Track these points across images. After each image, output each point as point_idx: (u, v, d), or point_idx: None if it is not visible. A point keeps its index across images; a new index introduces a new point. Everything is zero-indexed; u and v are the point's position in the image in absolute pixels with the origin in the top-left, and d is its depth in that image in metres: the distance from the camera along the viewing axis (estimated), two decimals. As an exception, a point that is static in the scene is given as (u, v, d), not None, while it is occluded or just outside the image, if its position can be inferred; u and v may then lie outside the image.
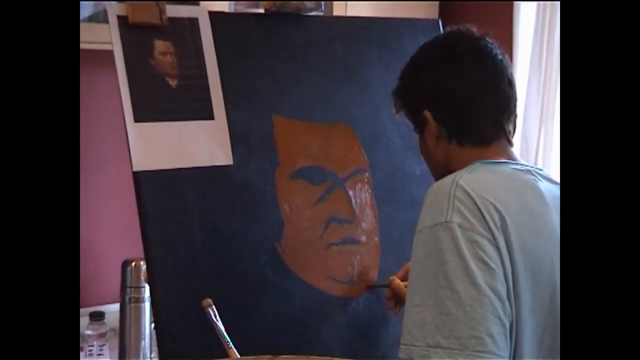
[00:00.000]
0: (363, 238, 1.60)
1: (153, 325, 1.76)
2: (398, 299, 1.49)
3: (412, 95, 1.26)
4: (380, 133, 1.68)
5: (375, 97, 1.67)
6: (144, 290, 1.82)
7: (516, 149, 1.39)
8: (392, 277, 1.51)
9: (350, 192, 1.61)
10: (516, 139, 1.47)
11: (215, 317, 1.29)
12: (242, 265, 1.45)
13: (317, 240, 1.54)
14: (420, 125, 1.26)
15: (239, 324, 1.38)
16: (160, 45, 1.43)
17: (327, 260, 1.55)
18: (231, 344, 1.26)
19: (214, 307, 1.29)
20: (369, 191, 1.64)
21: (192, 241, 1.40)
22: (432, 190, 1.09)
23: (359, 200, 1.61)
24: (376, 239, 1.62)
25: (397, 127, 1.68)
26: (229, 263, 1.43)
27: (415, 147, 1.35)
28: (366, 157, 1.65)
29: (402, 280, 1.49)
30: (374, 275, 1.60)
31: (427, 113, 1.22)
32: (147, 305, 1.83)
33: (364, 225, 1.61)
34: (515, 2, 2.31)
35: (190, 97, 1.45)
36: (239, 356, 1.26)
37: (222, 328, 1.28)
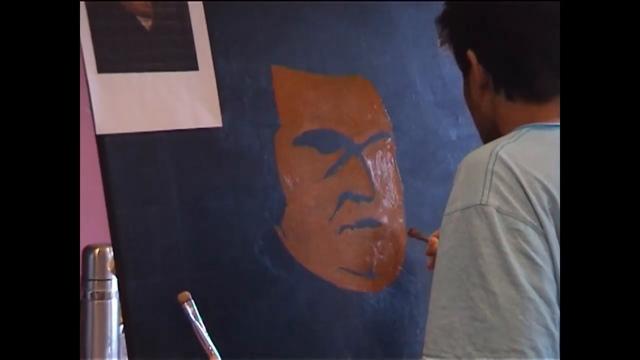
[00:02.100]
0: (385, 219, 1.64)
1: (121, 326, 1.80)
2: None
3: (455, 27, 1.26)
4: (406, 88, 1.69)
5: (402, 43, 1.69)
6: (111, 284, 1.86)
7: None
8: (433, 238, 1.51)
9: (369, 162, 1.63)
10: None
11: (195, 315, 1.32)
12: (233, 252, 1.48)
13: (327, 223, 1.58)
14: (464, 69, 1.25)
15: (229, 325, 1.43)
16: (130, -25, 1.45)
17: (339, 247, 1.58)
18: (214, 349, 1.30)
19: (193, 302, 1.33)
20: (392, 161, 1.66)
21: (171, 223, 1.43)
22: (464, 163, 1.09)
23: (379, 172, 1.64)
24: (401, 220, 1.65)
25: (429, 81, 1.70)
26: (216, 250, 1.47)
27: (451, 105, 1.36)
28: (389, 118, 1.67)
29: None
30: (398, 265, 1.63)
31: (470, 54, 1.21)
32: (114, 302, 1.86)
33: (385, 203, 1.64)
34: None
35: (168, 41, 1.47)
36: (222, 364, 1.30)
37: (203, 329, 1.31)
